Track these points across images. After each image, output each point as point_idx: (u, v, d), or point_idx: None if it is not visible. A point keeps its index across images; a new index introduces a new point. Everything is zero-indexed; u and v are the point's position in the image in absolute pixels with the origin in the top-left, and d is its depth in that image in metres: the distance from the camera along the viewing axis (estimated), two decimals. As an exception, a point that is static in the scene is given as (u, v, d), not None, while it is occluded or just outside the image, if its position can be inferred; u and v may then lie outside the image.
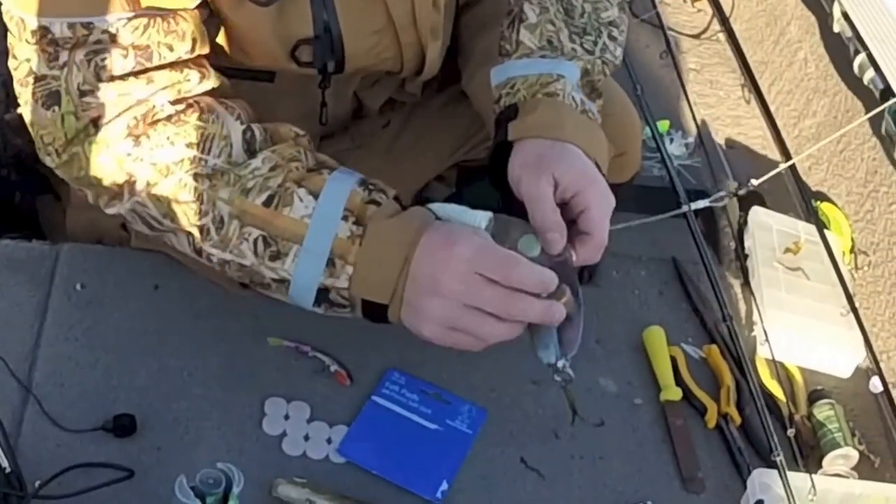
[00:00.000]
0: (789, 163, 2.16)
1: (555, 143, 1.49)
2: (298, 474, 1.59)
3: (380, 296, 1.40)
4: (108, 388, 1.66)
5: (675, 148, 2.52)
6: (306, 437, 1.66)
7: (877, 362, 1.97)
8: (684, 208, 1.94)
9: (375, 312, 1.43)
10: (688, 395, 1.88)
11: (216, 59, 1.55)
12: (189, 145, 1.43)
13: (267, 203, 1.41)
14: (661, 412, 1.85)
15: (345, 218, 1.40)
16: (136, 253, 1.80)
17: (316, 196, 1.41)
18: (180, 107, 1.44)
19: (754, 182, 1.98)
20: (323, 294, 1.42)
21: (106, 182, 1.45)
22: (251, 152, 1.45)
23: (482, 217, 1.43)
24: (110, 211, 1.48)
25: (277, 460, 1.63)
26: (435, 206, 1.46)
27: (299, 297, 1.44)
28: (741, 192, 2.08)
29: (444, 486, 1.64)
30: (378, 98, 1.86)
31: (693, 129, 2.53)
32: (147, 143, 1.42)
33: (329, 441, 1.67)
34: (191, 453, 1.61)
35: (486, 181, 1.61)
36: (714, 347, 1.98)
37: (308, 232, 1.40)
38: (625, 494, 1.72)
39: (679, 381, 1.89)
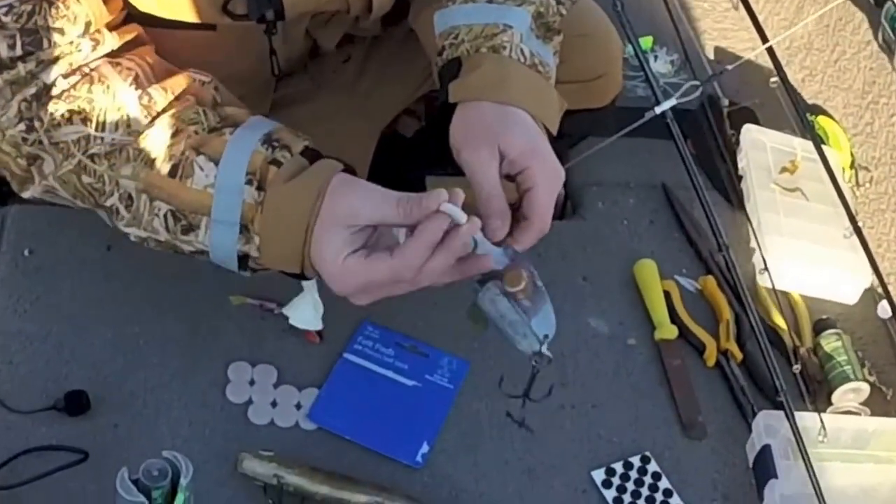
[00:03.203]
0: (765, 45, 2.04)
1: (500, 108, 1.42)
2: (266, 446, 1.54)
3: (289, 266, 1.35)
4: (60, 362, 1.63)
5: (660, 66, 2.43)
6: (273, 404, 1.62)
7: (884, 285, 1.88)
8: (649, 114, 1.81)
9: (296, 277, 1.38)
10: (684, 333, 1.83)
11: (149, 14, 1.48)
12: (84, 121, 1.37)
13: (172, 174, 1.35)
14: (656, 352, 1.80)
15: (249, 182, 1.33)
16: (88, 212, 1.71)
17: (216, 162, 1.34)
18: (74, 79, 1.37)
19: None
20: (244, 261, 1.37)
21: (12, 168, 1.40)
22: (150, 118, 1.37)
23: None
24: (25, 195, 1.44)
25: (243, 431, 1.59)
26: None
27: (223, 264, 1.39)
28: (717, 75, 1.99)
29: (425, 448, 1.60)
30: (333, 37, 1.78)
31: (678, 45, 2.42)
32: (41, 126, 1.36)
33: (298, 406, 1.62)
34: (150, 429, 1.58)
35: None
36: (710, 279, 1.92)
37: (213, 202, 1.34)
38: (621, 445, 1.67)
39: (674, 317, 1.84)
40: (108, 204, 1.38)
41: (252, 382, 1.62)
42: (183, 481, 1.25)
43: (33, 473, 1.46)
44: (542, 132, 1.43)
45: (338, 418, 1.59)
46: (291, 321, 1.62)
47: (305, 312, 1.61)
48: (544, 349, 1.35)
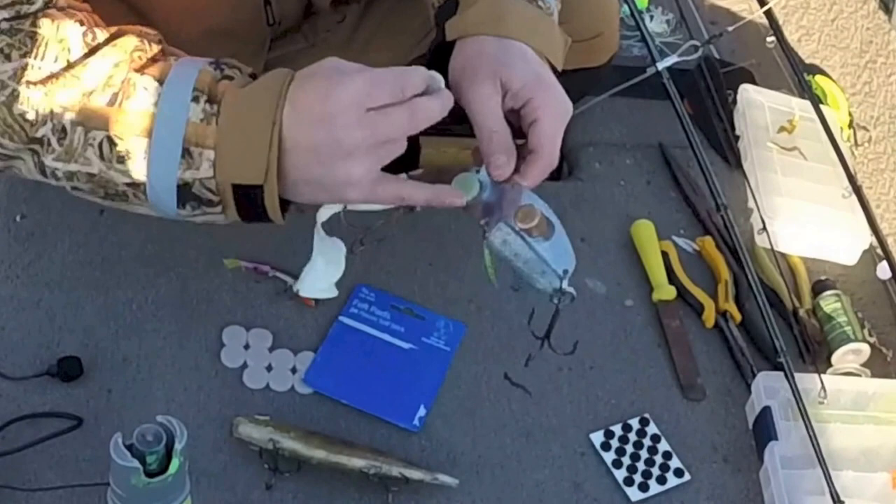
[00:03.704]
0: (764, 8, 2.03)
1: (500, 41, 1.35)
2: (261, 410, 1.53)
3: (251, 175, 1.22)
4: (53, 328, 1.61)
5: (655, 25, 2.41)
6: (269, 368, 1.60)
7: (883, 246, 1.87)
8: (650, 70, 1.81)
9: (250, 206, 1.26)
10: (682, 294, 1.80)
11: None
12: (24, 55, 1.27)
13: (111, 102, 1.25)
14: (654, 314, 1.77)
15: (195, 99, 1.23)
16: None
17: (161, 82, 1.25)
18: (19, 21, 1.29)
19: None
20: (185, 191, 1.26)
21: None
22: (92, 49, 1.29)
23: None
24: None
25: (239, 395, 1.57)
26: None
27: (159, 200, 1.28)
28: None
29: (422, 411, 1.57)
30: (327, -8, 1.72)
31: (674, 5, 2.40)
32: None
33: (294, 370, 1.60)
34: (144, 394, 1.55)
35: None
36: (708, 239, 1.89)
37: (156, 123, 1.24)
38: (619, 407, 1.65)
39: (672, 278, 1.82)
40: (38, 135, 1.27)
41: (247, 346, 1.60)
42: (178, 446, 1.21)
43: (26, 440, 1.45)
44: (545, 65, 1.37)
45: (334, 382, 1.57)
46: (303, 293, 1.46)
47: (317, 281, 1.47)
48: (565, 285, 1.26)
